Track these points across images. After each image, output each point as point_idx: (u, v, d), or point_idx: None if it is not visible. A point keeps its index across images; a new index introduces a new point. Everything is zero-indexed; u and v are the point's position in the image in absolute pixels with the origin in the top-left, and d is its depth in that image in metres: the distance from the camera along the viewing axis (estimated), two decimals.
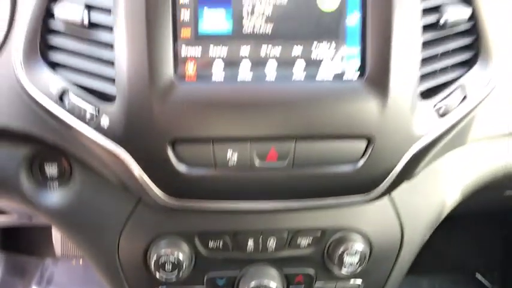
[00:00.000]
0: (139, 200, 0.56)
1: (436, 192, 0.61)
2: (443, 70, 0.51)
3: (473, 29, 0.52)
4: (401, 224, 0.60)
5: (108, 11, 0.47)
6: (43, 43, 0.50)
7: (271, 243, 0.58)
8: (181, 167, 0.48)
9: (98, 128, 0.47)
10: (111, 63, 0.47)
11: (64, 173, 0.58)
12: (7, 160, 0.56)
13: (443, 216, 0.64)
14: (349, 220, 0.58)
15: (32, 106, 0.50)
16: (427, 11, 0.50)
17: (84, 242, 0.61)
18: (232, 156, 0.48)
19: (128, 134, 0.47)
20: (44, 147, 0.55)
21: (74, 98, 0.48)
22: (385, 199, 0.58)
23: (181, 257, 0.56)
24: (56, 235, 1.27)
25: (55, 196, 0.58)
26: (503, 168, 0.62)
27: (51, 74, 0.49)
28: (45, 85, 0.49)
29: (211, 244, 0.57)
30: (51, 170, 0.57)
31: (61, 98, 0.48)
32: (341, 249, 0.58)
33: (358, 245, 0.59)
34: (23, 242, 1.28)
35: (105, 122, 0.47)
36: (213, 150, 0.48)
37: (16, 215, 0.77)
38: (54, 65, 0.49)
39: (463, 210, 0.67)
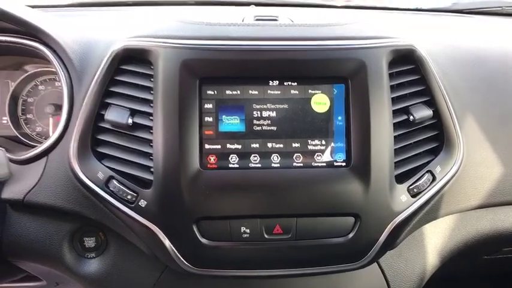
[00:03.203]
0: (165, 267, 0.65)
1: (417, 258, 0.71)
2: (414, 158, 0.64)
3: (437, 124, 0.66)
4: (389, 286, 0.70)
5: (148, 115, 0.60)
6: (92, 138, 0.62)
7: None
8: (204, 241, 0.59)
9: (137, 209, 0.58)
10: (149, 156, 0.59)
11: (100, 245, 0.68)
12: (53, 234, 0.66)
13: (426, 278, 0.73)
14: (343, 284, 0.68)
15: (81, 190, 0.61)
16: (397, 112, 0.63)
17: None
18: (245, 230, 0.59)
19: (161, 213, 0.58)
20: (85, 223, 0.66)
21: (118, 184, 0.59)
22: (374, 265, 0.68)
23: None
24: None
25: (92, 265, 0.67)
26: (473, 237, 0.73)
27: (98, 163, 0.61)
28: (93, 173, 0.60)
29: None
30: (90, 242, 0.67)
31: (107, 183, 0.60)
32: None
33: None
34: None
35: (142, 203, 0.58)
36: (230, 226, 0.59)
37: (45, 282, 0.85)
38: (101, 156, 0.62)
39: (453, 274, 0.76)
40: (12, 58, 0.78)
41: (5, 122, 0.79)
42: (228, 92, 0.60)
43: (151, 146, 0.59)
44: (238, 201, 0.58)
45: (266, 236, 0.59)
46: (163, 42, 0.60)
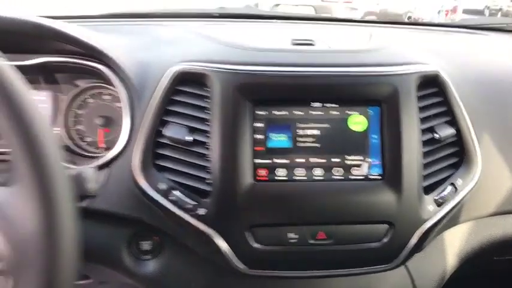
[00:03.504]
0: (217, 268, 0.72)
1: (439, 260, 0.79)
2: (439, 171, 0.72)
3: (458, 141, 0.73)
4: (414, 285, 0.78)
5: (205, 132, 0.67)
6: (154, 152, 0.69)
7: None
8: (256, 245, 0.66)
9: (196, 216, 0.66)
10: (206, 169, 0.66)
11: (156, 247, 0.75)
12: (113, 239, 0.73)
13: (446, 278, 0.81)
14: (374, 284, 0.75)
15: (142, 199, 0.68)
16: (424, 131, 0.71)
17: None
18: (292, 236, 0.66)
19: (218, 221, 0.65)
20: (142, 228, 0.73)
21: (178, 194, 0.66)
22: (402, 267, 0.76)
23: None
24: None
25: (149, 266, 0.74)
26: (487, 241, 0.81)
27: (159, 175, 0.68)
28: (155, 184, 0.67)
29: None
30: (146, 245, 0.75)
31: (167, 193, 0.67)
32: None
33: None
34: None
35: (201, 211, 0.66)
36: (279, 232, 0.66)
37: (92, 279, 0.92)
38: (161, 168, 0.69)
39: (466, 273, 0.84)
40: (65, 74, 0.84)
41: (56, 132, 0.86)
42: (276, 112, 0.67)
43: (208, 160, 0.66)
44: (286, 210, 0.66)
45: (311, 241, 0.66)
46: (218, 68, 0.67)
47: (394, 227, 0.68)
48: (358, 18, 1.23)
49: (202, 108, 0.68)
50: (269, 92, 0.67)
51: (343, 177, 0.68)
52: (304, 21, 1.20)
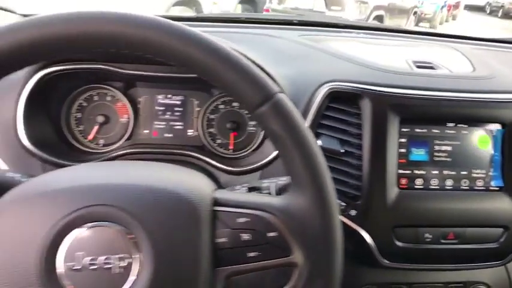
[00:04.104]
0: (360, 261, 0.84)
1: None
2: None
3: None
4: (509, 277, 0.91)
5: (356, 145, 0.78)
6: None
7: None
8: (398, 243, 0.78)
9: (348, 216, 0.77)
10: (356, 177, 0.77)
11: None
12: None
13: None
14: (481, 277, 0.88)
15: None
16: None
17: None
18: (428, 236, 0.78)
19: (367, 221, 0.77)
20: None
21: None
22: None
23: None
24: None
25: None
26: None
27: None
28: None
29: None
30: None
31: None
32: None
33: None
34: None
35: (352, 212, 0.77)
36: (417, 232, 0.78)
37: None
38: None
39: None
40: (203, 84, 0.93)
41: (190, 134, 0.96)
42: (417, 130, 0.79)
43: (359, 169, 0.77)
44: (423, 214, 0.78)
45: (442, 240, 0.79)
46: (371, 90, 0.77)
47: (509, 230, 0.80)
48: (407, 28, 1.30)
49: (353, 124, 0.78)
50: (413, 112, 0.78)
51: (469, 188, 0.80)
52: (384, 32, 1.28)
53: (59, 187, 0.45)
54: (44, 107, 0.84)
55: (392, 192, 0.77)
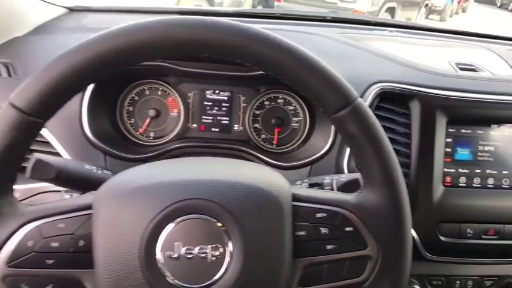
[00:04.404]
0: None
1: None
2: None
3: None
4: None
5: (405, 144, 0.81)
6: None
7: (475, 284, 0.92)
8: (441, 238, 0.82)
9: None
10: (405, 174, 0.80)
11: None
12: None
13: None
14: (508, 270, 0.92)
15: None
16: None
17: None
18: (469, 231, 0.82)
19: (413, 215, 0.80)
20: None
21: None
22: None
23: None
24: None
25: None
26: None
27: None
28: None
29: (434, 282, 0.90)
30: None
31: None
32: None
33: None
34: None
35: None
36: (460, 227, 0.82)
37: None
38: None
39: None
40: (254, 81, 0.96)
41: (236, 128, 0.99)
42: (463, 130, 0.82)
43: (406, 167, 0.81)
44: (466, 210, 0.82)
45: (483, 236, 0.83)
46: (420, 91, 0.80)
47: None
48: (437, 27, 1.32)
49: (401, 124, 0.82)
50: (460, 114, 0.81)
51: (509, 187, 0.84)
52: (403, 28, 1.30)
53: (155, 182, 0.49)
54: (103, 101, 0.88)
55: (438, 189, 0.80)
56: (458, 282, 0.89)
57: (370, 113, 0.50)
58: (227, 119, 0.97)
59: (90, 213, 0.48)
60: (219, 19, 0.48)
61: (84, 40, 0.45)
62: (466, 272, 0.91)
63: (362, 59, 0.94)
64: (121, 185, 0.50)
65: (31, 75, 0.45)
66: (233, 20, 0.50)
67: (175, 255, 0.46)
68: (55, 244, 0.47)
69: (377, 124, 0.51)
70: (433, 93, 0.80)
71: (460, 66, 0.92)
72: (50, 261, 0.47)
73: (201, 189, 0.48)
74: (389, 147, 0.51)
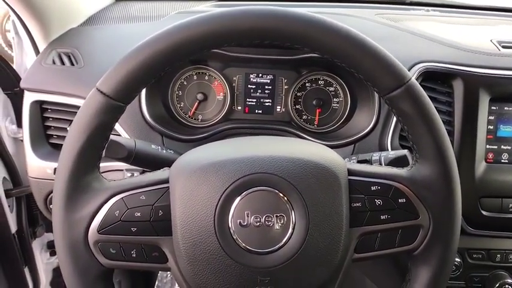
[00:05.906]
0: None
1: None
2: None
3: None
4: None
5: (449, 122, 0.84)
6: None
7: None
8: (483, 212, 0.85)
9: None
10: None
11: None
12: None
13: None
14: None
15: None
16: None
17: None
18: (511, 206, 0.84)
19: None
20: None
21: None
22: None
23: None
24: None
25: None
26: None
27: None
28: None
29: (474, 256, 0.93)
30: None
31: None
32: None
33: None
34: None
35: None
36: (501, 202, 0.84)
37: None
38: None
39: None
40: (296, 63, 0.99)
41: (278, 110, 1.03)
42: (505, 108, 0.84)
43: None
44: (507, 186, 0.84)
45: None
46: (464, 70, 0.82)
47: None
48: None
49: (443, 102, 0.84)
50: (502, 91, 0.83)
51: None
52: (439, 7, 1.29)
53: (224, 159, 0.54)
54: (157, 88, 0.94)
55: (480, 165, 0.83)
56: (499, 256, 0.92)
57: (423, 92, 0.54)
58: (270, 101, 1.01)
59: (167, 187, 0.54)
60: (286, 10, 0.52)
61: (162, 30, 0.51)
62: (506, 246, 0.93)
63: (403, 40, 0.96)
64: (192, 162, 0.55)
65: (115, 63, 0.51)
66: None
67: (245, 223, 0.51)
68: (138, 214, 0.53)
69: (429, 102, 0.54)
70: (475, 72, 0.82)
71: (502, 44, 0.92)
72: (134, 229, 0.53)
73: (266, 165, 0.53)
74: (441, 124, 0.54)
